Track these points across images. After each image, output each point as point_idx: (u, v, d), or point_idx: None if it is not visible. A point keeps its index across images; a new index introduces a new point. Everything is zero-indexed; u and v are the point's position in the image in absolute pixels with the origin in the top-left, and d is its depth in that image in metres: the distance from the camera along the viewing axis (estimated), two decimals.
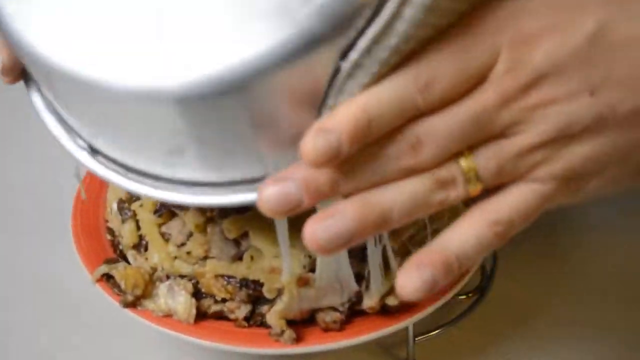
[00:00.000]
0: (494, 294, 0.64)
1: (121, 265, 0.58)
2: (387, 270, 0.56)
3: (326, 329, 0.56)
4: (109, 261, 0.59)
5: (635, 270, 0.69)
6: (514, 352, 0.63)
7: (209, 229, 0.56)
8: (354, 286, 0.55)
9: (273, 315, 0.55)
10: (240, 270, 0.56)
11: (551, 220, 0.73)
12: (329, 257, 0.53)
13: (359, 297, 0.55)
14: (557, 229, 0.72)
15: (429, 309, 0.57)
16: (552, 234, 0.72)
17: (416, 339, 0.61)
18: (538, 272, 0.69)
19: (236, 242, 0.56)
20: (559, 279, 0.68)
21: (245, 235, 0.55)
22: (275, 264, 0.55)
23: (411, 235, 0.56)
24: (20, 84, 0.50)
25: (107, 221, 0.63)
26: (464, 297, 0.64)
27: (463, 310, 0.63)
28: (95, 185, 0.65)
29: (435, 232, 0.57)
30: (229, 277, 0.56)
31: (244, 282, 0.56)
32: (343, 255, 0.53)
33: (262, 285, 0.55)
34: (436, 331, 0.62)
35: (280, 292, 0.55)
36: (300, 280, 0.54)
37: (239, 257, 0.56)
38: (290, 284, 0.54)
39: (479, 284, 0.64)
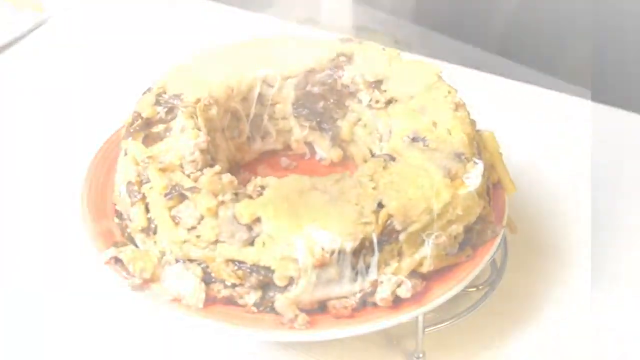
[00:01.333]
0: (504, 287, 0.63)
1: (129, 248, 0.58)
2: (400, 260, 0.56)
3: (337, 316, 0.55)
4: (117, 244, 0.58)
5: None
6: (522, 345, 0.63)
7: (220, 213, 0.55)
8: (373, 273, 0.54)
9: (284, 302, 0.54)
10: (251, 256, 0.55)
11: (562, 216, 0.72)
12: None
13: (374, 287, 0.55)
14: (567, 224, 0.72)
15: (440, 300, 0.56)
16: (563, 229, 0.71)
17: (425, 329, 0.60)
18: (548, 266, 0.68)
19: (248, 227, 0.55)
20: (569, 274, 0.67)
21: (257, 220, 0.55)
22: (287, 252, 0.54)
23: (425, 225, 0.56)
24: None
25: (114, 204, 0.62)
26: (473, 290, 0.63)
27: (473, 303, 0.62)
28: (103, 168, 0.65)
29: (449, 223, 0.57)
30: (240, 262, 0.55)
31: (255, 268, 0.55)
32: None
33: (272, 272, 0.55)
34: (445, 322, 0.61)
35: (291, 280, 0.54)
36: (317, 262, 0.53)
37: (250, 243, 0.55)
38: (306, 266, 0.53)
39: (489, 277, 0.64)
